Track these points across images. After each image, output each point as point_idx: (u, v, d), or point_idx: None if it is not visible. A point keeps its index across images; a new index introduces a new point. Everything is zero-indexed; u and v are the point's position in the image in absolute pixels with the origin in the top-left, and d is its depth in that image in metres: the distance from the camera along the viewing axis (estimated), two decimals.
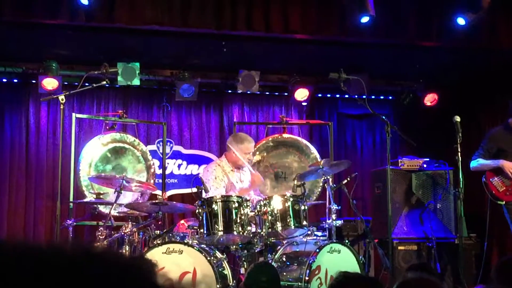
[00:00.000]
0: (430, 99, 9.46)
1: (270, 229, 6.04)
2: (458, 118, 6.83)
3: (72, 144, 8.02)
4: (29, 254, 1.00)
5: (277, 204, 6.08)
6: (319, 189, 8.47)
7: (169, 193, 8.86)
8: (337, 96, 9.96)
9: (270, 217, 6.03)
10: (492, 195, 7.27)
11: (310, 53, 8.58)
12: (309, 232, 6.28)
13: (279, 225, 6.03)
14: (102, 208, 7.57)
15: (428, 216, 7.96)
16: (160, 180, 8.47)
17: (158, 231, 6.23)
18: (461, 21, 7.52)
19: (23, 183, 8.77)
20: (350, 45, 8.25)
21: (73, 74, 8.66)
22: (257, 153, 8.46)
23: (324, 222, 6.62)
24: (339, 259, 6.12)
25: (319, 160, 7.72)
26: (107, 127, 8.26)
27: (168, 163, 9.02)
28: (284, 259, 6.25)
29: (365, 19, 7.26)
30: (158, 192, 7.94)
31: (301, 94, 9.11)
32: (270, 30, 7.38)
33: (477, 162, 7.39)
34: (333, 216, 6.44)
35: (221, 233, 5.84)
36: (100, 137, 8.17)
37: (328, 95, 10.03)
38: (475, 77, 9.13)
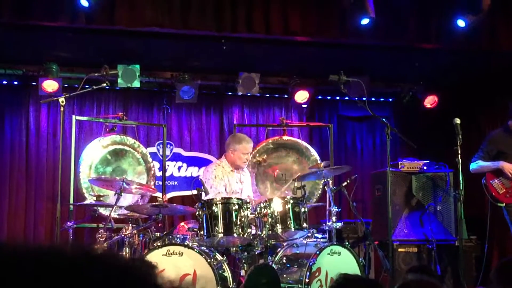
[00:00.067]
0: (430, 101, 9.46)
1: (270, 231, 6.04)
2: (458, 120, 6.83)
3: (72, 146, 8.02)
4: (30, 256, 1.00)
5: (277, 206, 6.07)
6: (319, 191, 8.46)
7: (169, 195, 8.86)
8: (337, 98, 9.96)
9: (270, 219, 6.03)
10: (492, 197, 7.27)
11: (310, 55, 8.58)
12: (309, 234, 6.27)
13: (279, 227, 6.03)
14: (102, 210, 7.57)
15: (428, 218, 7.96)
16: (160, 182, 8.46)
17: (158, 233, 6.23)
18: (461, 23, 7.53)
19: (23, 185, 8.77)
20: (350, 47, 8.26)
21: (73, 76, 8.66)
22: (257, 155, 8.45)
23: (324, 224, 6.62)
24: (340, 261, 6.12)
25: (319, 162, 7.72)
26: (107, 129, 8.26)
27: (168, 165, 9.02)
28: (284, 261, 6.25)
29: (365, 21, 7.27)
30: (158, 194, 7.93)
31: (301, 96, 9.11)
32: (270, 32, 7.39)
33: (476, 164, 7.39)
34: (333, 218, 6.43)
35: (221, 235, 5.84)
36: (100, 139, 8.16)
37: (328, 97, 10.03)
38: (475, 79, 9.14)
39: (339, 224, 6.55)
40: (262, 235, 6.05)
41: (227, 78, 9.17)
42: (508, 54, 8.12)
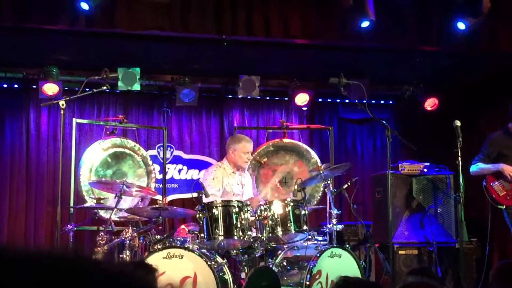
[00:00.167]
0: (430, 104, 9.46)
1: (270, 234, 6.03)
2: (458, 123, 6.83)
3: (73, 149, 8.02)
4: (30, 260, 1.00)
5: (277, 208, 6.07)
6: (320, 194, 8.46)
7: (170, 198, 8.86)
8: (338, 100, 9.97)
9: (270, 222, 6.02)
10: (492, 199, 7.26)
11: (311, 57, 8.58)
12: (310, 237, 6.27)
13: (279, 230, 6.03)
14: (103, 213, 7.58)
15: (428, 220, 7.96)
16: (161, 185, 8.47)
17: (158, 236, 6.23)
18: (461, 25, 7.53)
19: (23, 188, 8.78)
20: (351, 50, 8.26)
21: (73, 80, 8.67)
22: (258, 157, 8.46)
23: (324, 227, 6.62)
24: (340, 264, 6.11)
25: (319, 164, 7.72)
26: (108, 132, 8.26)
27: (168, 168, 9.03)
28: (284, 263, 6.25)
29: (365, 24, 7.27)
30: (159, 197, 7.93)
31: (302, 99, 9.11)
32: (270, 35, 7.39)
33: (477, 167, 7.39)
34: (334, 221, 6.43)
35: (221, 237, 5.83)
36: (100, 142, 8.17)
37: (329, 100, 10.04)
38: (475, 81, 9.14)
39: (340, 227, 6.55)
40: (262, 237, 6.04)
41: (228, 81, 9.17)
42: (508, 56, 8.13)
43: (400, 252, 7.87)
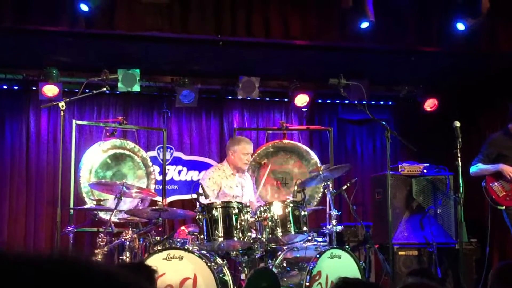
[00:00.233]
0: (430, 104, 9.46)
1: (270, 235, 6.03)
2: (458, 123, 6.83)
3: (73, 150, 8.02)
4: (30, 263, 1.00)
5: (277, 209, 6.07)
6: (320, 195, 8.46)
7: (170, 199, 8.86)
8: (337, 101, 9.97)
9: (270, 223, 6.03)
10: (492, 200, 7.26)
11: (310, 58, 8.58)
12: (310, 238, 6.27)
13: (279, 231, 6.03)
14: (103, 215, 7.58)
15: (428, 221, 7.96)
16: (161, 186, 8.47)
17: (158, 237, 6.23)
18: (460, 26, 7.53)
19: (23, 190, 8.78)
20: (350, 51, 8.26)
21: (73, 81, 8.67)
22: (258, 158, 8.46)
23: (324, 228, 6.62)
24: (340, 265, 6.11)
25: (319, 165, 7.72)
26: (108, 134, 8.26)
27: (168, 169, 9.03)
28: (284, 264, 6.25)
29: (364, 25, 7.28)
30: (159, 198, 7.94)
31: (301, 99, 9.11)
32: (270, 36, 7.39)
33: (476, 167, 7.38)
34: (334, 222, 6.43)
35: (221, 239, 5.84)
36: (100, 143, 8.17)
37: (328, 101, 10.04)
38: (474, 82, 9.14)
39: (339, 228, 6.55)
40: (262, 238, 6.05)
41: (227, 82, 9.17)
42: (507, 56, 8.13)
43: (400, 253, 7.87)
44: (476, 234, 8.13)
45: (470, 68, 8.77)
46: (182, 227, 6.93)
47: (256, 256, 6.25)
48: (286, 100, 9.59)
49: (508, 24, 7.86)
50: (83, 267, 1.03)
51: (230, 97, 9.51)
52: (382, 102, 10.16)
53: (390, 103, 10.22)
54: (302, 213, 6.15)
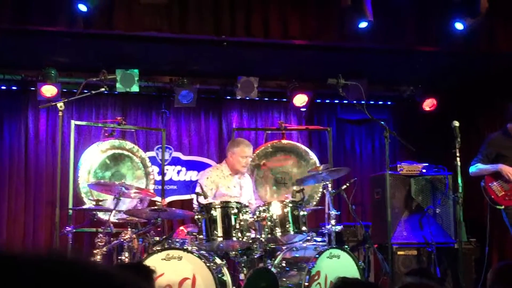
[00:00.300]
0: (429, 104, 9.46)
1: (269, 235, 6.03)
2: (456, 123, 6.83)
3: (71, 151, 8.01)
4: (29, 263, 1.00)
5: (276, 209, 6.07)
6: (319, 195, 8.46)
7: (169, 199, 8.85)
8: (336, 101, 9.97)
9: (269, 223, 6.03)
10: (491, 199, 7.26)
11: (309, 58, 8.59)
12: (309, 238, 6.27)
13: (278, 231, 6.03)
14: (101, 215, 7.57)
15: (427, 221, 7.96)
16: (160, 187, 8.47)
17: (157, 238, 6.22)
18: (459, 25, 7.54)
19: (22, 190, 8.77)
20: (349, 51, 8.26)
21: (72, 81, 8.66)
22: (257, 159, 8.46)
23: (323, 228, 6.62)
24: (339, 265, 6.11)
25: (318, 165, 7.72)
26: (106, 134, 8.26)
27: (167, 170, 9.03)
28: (283, 264, 6.24)
29: (363, 25, 7.28)
30: (157, 198, 7.93)
31: (300, 99, 9.11)
32: (268, 36, 7.39)
33: (476, 167, 7.38)
34: (333, 222, 6.43)
35: (220, 239, 5.84)
36: (99, 144, 8.16)
37: (327, 101, 10.04)
38: (473, 81, 9.14)
39: (339, 227, 6.55)
40: (261, 238, 6.05)
41: (226, 82, 9.17)
42: (506, 56, 8.13)
43: (399, 252, 7.87)
44: (475, 233, 8.13)
45: (469, 68, 8.77)
46: (181, 227, 6.92)
47: (255, 256, 6.25)
48: (285, 100, 9.59)
49: (507, 24, 7.86)
50: (82, 268, 1.03)
51: (229, 97, 9.51)
52: (381, 102, 10.15)
53: (389, 103, 10.22)
54: (301, 213, 6.15)
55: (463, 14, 7.51)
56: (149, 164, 8.44)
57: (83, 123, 8.64)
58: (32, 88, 8.63)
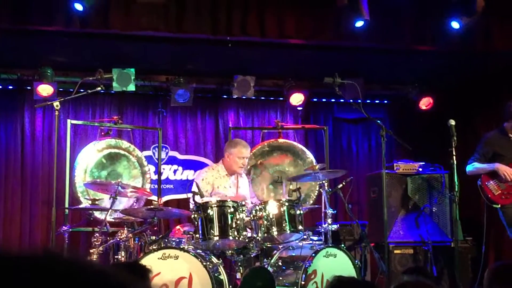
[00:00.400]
0: (425, 103, 9.46)
1: (265, 234, 6.03)
2: (452, 122, 6.84)
3: (68, 150, 8.01)
4: (26, 263, 1.00)
5: (272, 208, 6.07)
6: (315, 194, 8.48)
7: (165, 198, 8.86)
8: (333, 100, 9.97)
9: (265, 222, 6.02)
10: (487, 198, 7.26)
11: (306, 58, 8.58)
12: (305, 237, 6.28)
13: (274, 230, 6.02)
14: (98, 214, 7.58)
15: (424, 219, 7.96)
16: (156, 186, 8.46)
17: (153, 237, 6.22)
18: (455, 24, 7.54)
19: (18, 190, 8.76)
20: (345, 50, 8.26)
21: (68, 81, 8.64)
22: (253, 158, 8.46)
23: (320, 227, 6.62)
24: (335, 264, 6.12)
25: (315, 164, 7.73)
26: (102, 133, 8.25)
27: (163, 169, 9.03)
28: (280, 263, 6.25)
29: (359, 24, 7.28)
30: (154, 197, 7.93)
31: (297, 98, 9.11)
32: (265, 35, 7.39)
33: (472, 166, 7.38)
34: (329, 221, 6.44)
35: (216, 238, 5.83)
36: (95, 143, 8.16)
37: (324, 100, 10.04)
38: (470, 81, 9.14)
39: (335, 226, 6.56)
40: (257, 237, 6.04)
41: (222, 81, 9.16)
42: (502, 55, 8.14)
43: (395, 251, 7.87)
44: (471, 232, 8.14)
45: (466, 67, 8.77)
46: (178, 226, 6.92)
47: (252, 255, 6.25)
48: (281, 99, 9.59)
49: (503, 23, 7.87)
50: (78, 267, 1.03)
51: (225, 96, 9.51)
52: (377, 101, 10.16)
53: (386, 102, 10.22)
54: (298, 212, 6.15)
55: (459, 13, 7.51)
56: (145, 163, 8.44)
57: (80, 122, 8.63)
58: (28, 87, 8.62)
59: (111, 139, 8.27)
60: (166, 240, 6.16)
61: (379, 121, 7.06)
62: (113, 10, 6.98)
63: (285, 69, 8.98)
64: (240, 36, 7.41)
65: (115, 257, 6.30)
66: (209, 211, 5.85)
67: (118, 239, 6.16)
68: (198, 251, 5.88)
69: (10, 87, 8.86)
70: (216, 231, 5.81)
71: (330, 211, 6.46)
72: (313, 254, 6.02)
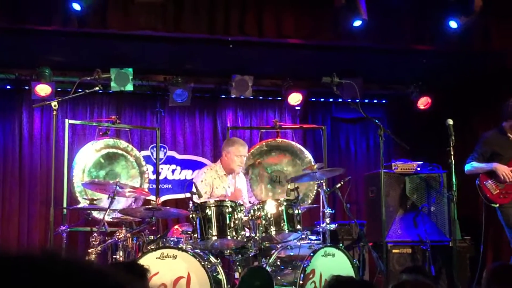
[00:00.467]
0: (423, 103, 9.47)
1: (264, 234, 6.03)
2: (450, 121, 6.84)
3: (66, 150, 8.00)
4: (25, 263, 1.00)
5: (270, 208, 6.07)
6: (314, 193, 8.47)
7: (163, 198, 8.85)
8: (331, 100, 9.98)
9: (264, 222, 6.02)
10: (486, 198, 7.26)
11: (304, 57, 8.58)
12: (303, 236, 6.28)
13: (273, 230, 6.02)
14: (96, 214, 7.57)
15: (422, 219, 7.97)
16: (154, 186, 8.46)
17: (152, 237, 6.23)
18: (453, 24, 7.55)
19: (16, 190, 8.75)
20: (344, 49, 8.26)
21: (66, 80, 8.64)
22: (251, 157, 8.46)
23: (318, 226, 6.62)
24: (334, 263, 6.12)
25: (313, 164, 7.73)
26: (101, 133, 8.24)
27: (162, 169, 9.02)
28: (278, 263, 6.25)
29: (357, 23, 7.28)
30: (152, 197, 7.92)
31: (295, 98, 9.11)
32: (263, 35, 7.39)
33: (471, 166, 7.38)
34: (327, 220, 6.44)
35: (215, 237, 5.83)
36: (93, 143, 8.15)
37: (322, 99, 10.04)
38: (468, 80, 9.15)
39: (333, 226, 6.55)
40: (256, 237, 6.04)
41: (221, 81, 9.16)
42: (500, 55, 8.14)
43: (393, 251, 7.87)
44: (470, 231, 8.13)
45: (464, 66, 8.77)
46: (176, 226, 6.92)
47: (250, 255, 6.25)
48: (279, 98, 9.58)
49: (501, 23, 7.87)
50: (77, 267, 1.03)
51: (223, 96, 9.51)
52: (375, 101, 10.17)
53: (384, 101, 10.23)
54: (296, 211, 6.15)
55: (457, 13, 7.52)
56: (143, 163, 8.43)
57: (78, 122, 8.62)
58: (26, 87, 8.62)
59: (109, 139, 8.27)
60: (164, 239, 6.16)
61: (377, 121, 7.05)
62: (111, 10, 6.97)
63: (283, 68, 8.98)
64: (238, 36, 7.41)
65: (113, 257, 6.30)
66: (207, 210, 5.85)
67: (116, 238, 6.15)
68: (196, 250, 5.88)
69: (8, 87, 8.86)
70: (214, 231, 5.81)
71: (328, 210, 6.45)
72: (312, 254, 6.02)
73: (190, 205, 6.05)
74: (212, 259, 5.94)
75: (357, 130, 10.25)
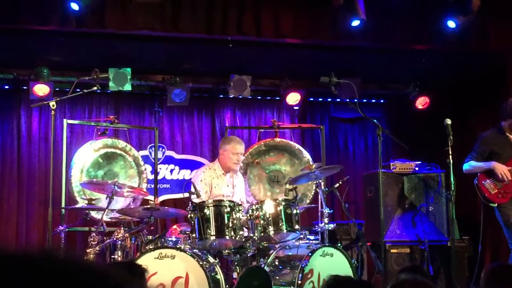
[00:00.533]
0: (421, 102, 9.47)
1: (262, 233, 6.03)
2: (449, 121, 6.84)
3: (64, 150, 8.00)
4: (23, 262, 1.00)
5: (269, 208, 6.07)
6: (312, 193, 8.47)
7: (162, 198, 8.85)
8: (329, 100, 9.97)
9: (262, 221, 6.02)
10: (484, 197, 7.26)
11: (302, 57, 8.59)
12: (302, 236, 6.28)
13: (271, 229, 6.02)
14: (94, 214, 7.57)
15: (420, 219, 7.97)
16: (152, 185, 8.46)
17: (150, 236, 6.22)
18: (451, 24, 7.55)
19: (15, 190, 8.75)
20: (342, 49, 8.26)
21: (64, 80, 8.63)
22: (250, 157, 8.46)
23: (316, 226, 6.62)
24: (332, 263, 6.12)
25: (311, 163, 7.73)
26: (99, 133, 8.24)
27: (160, 168, 9.02)
28: (276, 263, 6.25)
29: (355, 23, 7.29)
30: (150, 197, 7.92)
31: (293, 98, 9.11)
32: (261, 35, 7.39)
33: (469, 165, 7.38)
34: (326, 220, 6.44)
35: (213, 237, 5.83)
36: (91, 142, 8.15)
37: (320, 99, 10.04)
38: (466, 80, 9.15)
39: (332, 226, 6.56)
40: (254, 237, 6.04)
41: (219, 80, 9.16)
42: (498, 55, 8.14)
43: (392, 250, 7.87)
44: (468, 231, 8.13)
45: (462, 66, 8.78)
46: (174, 226, 6.92)
47: (248, 255, 6.26)
48: (277, 98, 9.58)
49: (499, 23, 7.88)
50: (76, 267, 1.03)
51: (221, 96, 9.51)
52: (374, 100, 10.17)
53: (382, 101, 10.23)
54: (294, 211, 6.15)
55: (455, 12, 7.52)
56: (142, 163, 8.43)
57: (76, 122, 8.62)
58: (24, 87, 8.61)
59: (107, 139, 8.26)
60: (163, 239, 6.16)
61: (375, 121, 7.05)
62: (109, 10, 6.97)
63: (281, 68, 8.98)
64: (236, 36, 7.41)
65: (112, 256, 6.29)
66: (205, 210, 5.85)
67: (115, 238, 6.15)
68: (194, 250, 5.88)
69: (6, 87, 8.85)
70: (212, 231, 5.81)
71: (326, 210, 6.45)
72: (310, 254, 6.02)
73: (189, 205, 6.05)
74: (211, 259, 5.94)
75: (356, 130, 10.26)
